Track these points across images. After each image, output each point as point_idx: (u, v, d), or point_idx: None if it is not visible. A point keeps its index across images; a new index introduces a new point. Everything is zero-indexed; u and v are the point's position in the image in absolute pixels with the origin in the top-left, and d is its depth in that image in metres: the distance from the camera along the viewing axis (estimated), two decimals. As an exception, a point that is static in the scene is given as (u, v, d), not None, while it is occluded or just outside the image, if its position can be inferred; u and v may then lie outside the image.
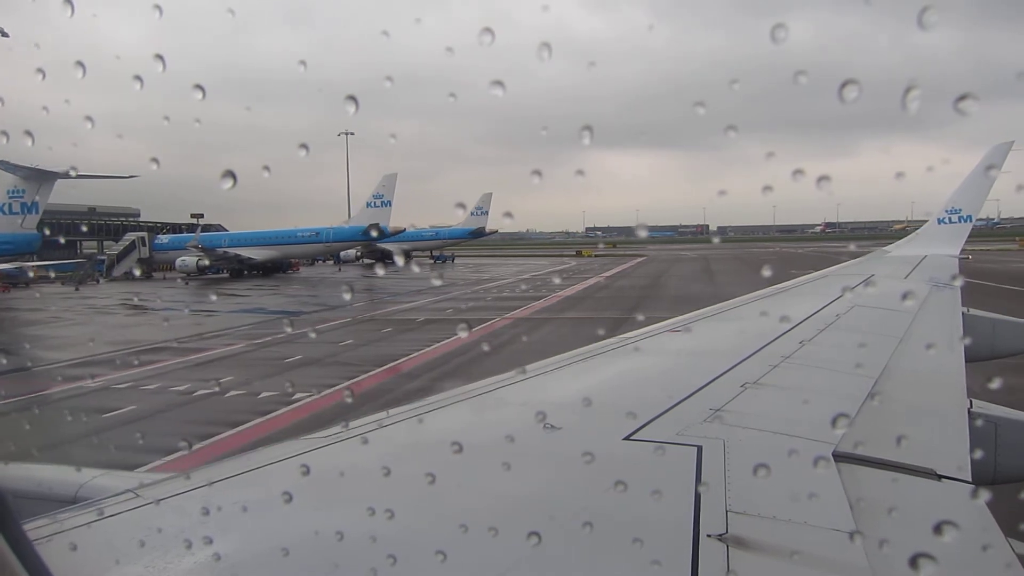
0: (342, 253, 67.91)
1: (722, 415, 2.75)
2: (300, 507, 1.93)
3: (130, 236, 58.61)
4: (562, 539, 1.76)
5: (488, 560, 1.68)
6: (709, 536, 1.73)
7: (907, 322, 4.99)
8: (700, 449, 2.34)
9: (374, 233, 53.86)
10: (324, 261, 69.59)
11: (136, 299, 38.13)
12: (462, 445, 2.27)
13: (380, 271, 60.33)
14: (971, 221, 10.90)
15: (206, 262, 54.19)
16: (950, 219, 11.17)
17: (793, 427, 2.66)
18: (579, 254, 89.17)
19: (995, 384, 2.57)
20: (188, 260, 54.23)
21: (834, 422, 2.48)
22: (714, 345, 4.66)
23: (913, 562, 1.54)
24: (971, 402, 3.22)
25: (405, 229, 59.68)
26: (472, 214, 75.95)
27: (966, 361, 3.94)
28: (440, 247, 78.24)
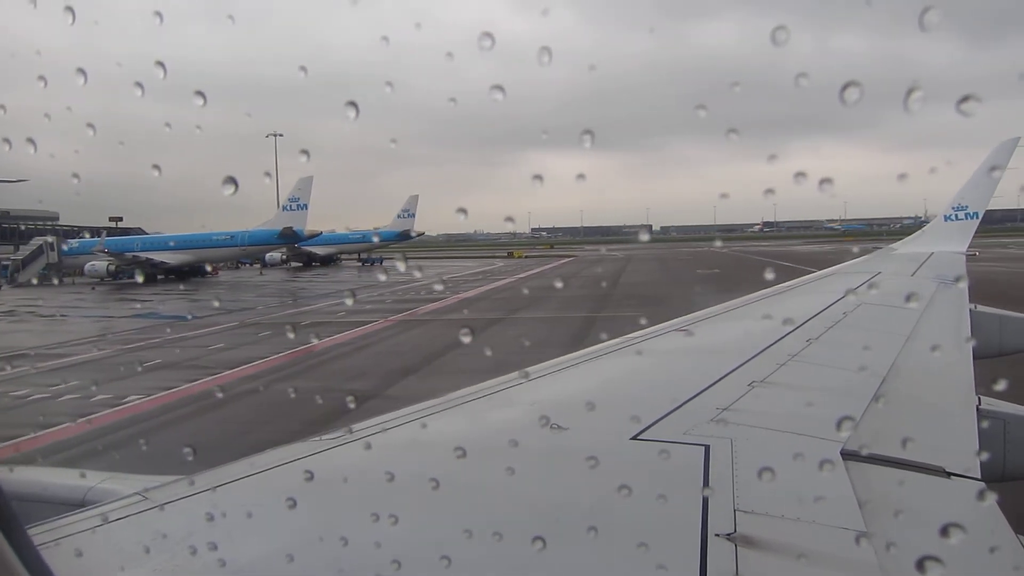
0: (267, 256, 67.36)
1: (729, 414, 2.72)
2: (304, 512, 1.92)
3: (37, 240, 56.96)
4: (570, 540, 1.76)
5: (495, 564, 1.68)
6: (718, 535, 1.73)
7: (914, 319, 4.94)
8: (708, 448, 2.32)
9: (289, 236, 53.91)
10: (251, 264, 68.80)
11: (30, 305, 37.29)
12: (467, 447, 2.26)
13: (301, 274, 60.18)
14: (978, 218, 10.86)
15: (115, 267, 53.03)
16: (956, 216, 11.11)
17: (801, 426, 2.64)
18: (510, 255, 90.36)
19: (1004, 381, 2.57)
20: (98, 265, 53.04)
21: (842, 420, 2.43)
22: (720, 344, 4.62)
23: (923, 561, 1.53)
24: (980, 399, 3.19)
25: (321, 232, 59.76)
26: (398, 216, 76.33)
27: (974, 358, 3.93)
28: (367, 249, 78.22)
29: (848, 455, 2.27)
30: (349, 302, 35.01)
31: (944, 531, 1.61)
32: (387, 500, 2.00)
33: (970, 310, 5.81)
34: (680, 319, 5.46)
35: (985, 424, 2.84)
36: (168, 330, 27.01)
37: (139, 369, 17.84)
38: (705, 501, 1.92)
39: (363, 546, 1.73)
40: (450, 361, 17.65)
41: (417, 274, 56.11)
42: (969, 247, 10.70)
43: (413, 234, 78.10)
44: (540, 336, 21.49)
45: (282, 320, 28.41)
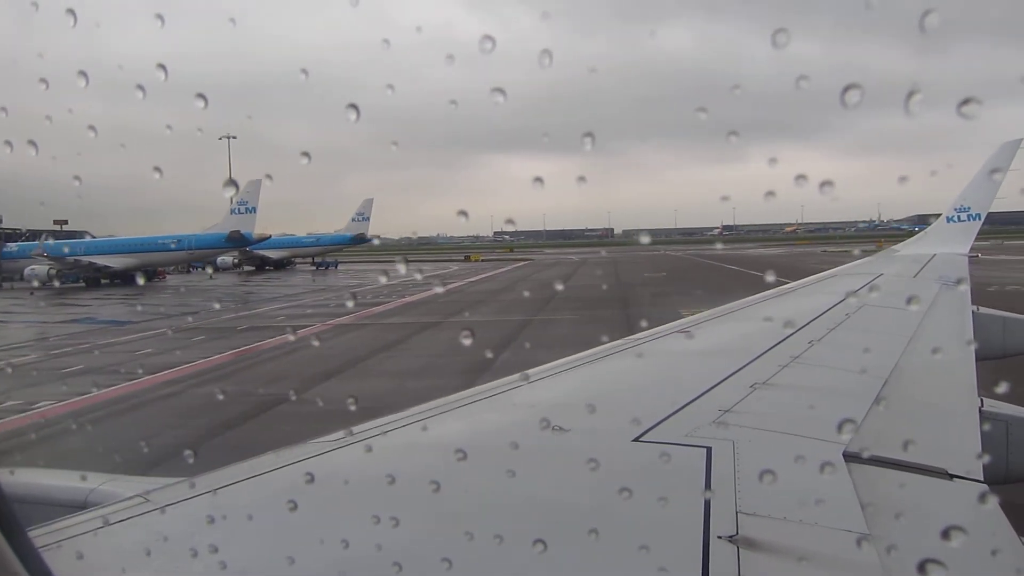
0: (218, 260, 66.32)
1: (731, 416, 2.72)
2: (305, 514, 1.92)
3: (-28, 245, 55.07)
4: (571, 542, 1.75)
5: (496, 566, 1.67)
6: (720, 538, 1.72)
7: (917, 321, 4.92)
8: (710, 450, 2.32)
9: (237, 240, 53.20)
10: (203, 268, 67.74)
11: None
12: (468, 449, 2.26)
13: (252, 279, 59.45)
14: (980, 219, 10.80)
15: (56, 271, 51.65)
16: (959, 217, 11.05)
17: (803, 428, 2.64)
18: (467, 259, 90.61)
19: (1006, 383, 2.56)
20: (38, 269, 51.47)
21: (844, 422, 2.43)
22: (722, 346, 4.61)
23: (925, 563, 1.53)
24: (982, 401, 3.18)
25: (271, 235, 59.19)
26: (353, 220, 76.06)
27: (977, 360, 3.91)
28: (321, 253, 77.64)
29: (850, 457, 2.26)
30: (290, 306, 34.71)
31: (946, 533, 1.61)
32: (388, 502, 1.99)
33: (972, 312, 5.77)
34: (682, 320, 5.40)
35: (987, 426, 2.83)
36: (100, 335, 26.50)
37: (59, 375, 17.55)
38: (707, 503, 1.92)
39: (364, 548, 1.72)
40: (375, 364, 17.78)
41: (370, 278, 55.93)
42: (971, 249, 10.66)
43: (368, 237, 77.97)
44: (472, 338, 21.66)
45: (219, 325, 28.05)
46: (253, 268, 71.16)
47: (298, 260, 78.97)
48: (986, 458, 2.37)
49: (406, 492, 2.08)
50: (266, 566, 1.70)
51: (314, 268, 75.77)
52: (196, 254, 59.22)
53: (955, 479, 2.23)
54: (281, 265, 74.86)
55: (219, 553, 1.68)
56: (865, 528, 1.80)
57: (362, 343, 21.35)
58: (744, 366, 3.53)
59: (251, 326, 26.83)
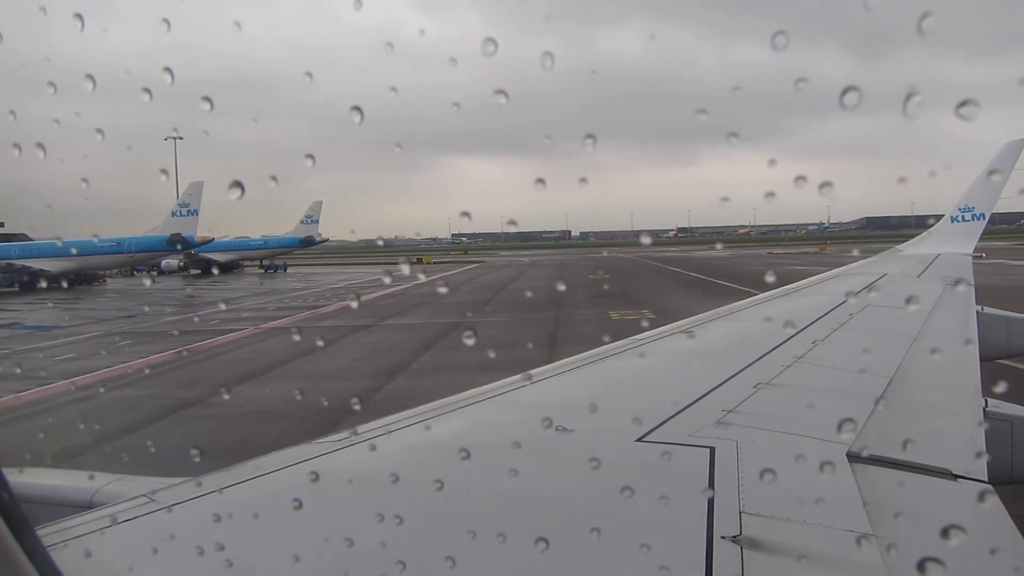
0: (163, 263, 64.92)
1: (735, 416, 2.72)
2: (310, 513, 1.93)
3: None
4: (575, 542, 1.76)
5: (499, 565, 1.68)
6: (723, 538, 1.73)
7: (921, 321, 4.94)
8: (713, 450, 2.32)
9: (179, 242, 52.24)
10: (148, 271, 66.26)
11: None
12: (471, 449, 2.26)
13: (196, 282, 58.45)
14: (984, 219, 10.85)
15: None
16: (963, 217, 11.05)
17: (806, 427, 2.64)
18: (419, 261, 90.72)
19: (1010, 383, 2.57)
20: None
21: (847, 422, 2.43)
22: (725, 346, 4.61)
23: (929, 563, 1.53)
24: (986, 401, 3.17)
25: (213, 238, 58.29)
26: (302, 222, 75.21)
27: (981, 360, 3.90)
28: (270, 256, 76.66)
29: (854, 457, 2.27)
30: (226, 310, 34.38)
31: (950, 534, 1.61)
32: (392, 502, 2.00)
33: (976, 311, 5.78)
34: (685, 320, 5.42)
35: (992, 426, 2.83)
36: (23, 341, 26.01)
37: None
38: (710, 503, 1.92)
39: (368, 547, 1.74)
40: (295, 368, 17.94)
41: (316, 281, 55.58)
42: (976, 248, 10.73)
43: (317, 239, 77.28)
44: (397, 342, 22.02)
45: (149, 329, 27.79)
46: (199, 271, 69.93)
47: (247, 263, 77.89)
48: (990, 458, 2.36)
49: (410, 491, 2.09)
50: (272, 564, 1.71)
51: (262, 271, 74.84)
52: (136, 257, 57.79)
53: (959, 479, 2.21)
54: (228, 268, 73.62)
55: (225, 552, 1.69)
56: (869, 528, 1.81)
57: (287, 347, 21.44)
58: (747, 366, 3.52)
59: (182, 330, 26.67)
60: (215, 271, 71.33)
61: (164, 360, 19.86)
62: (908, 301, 5.98)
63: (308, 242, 76.34)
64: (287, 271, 75.12)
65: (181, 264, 66.43)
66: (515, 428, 2.79)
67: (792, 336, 4.25)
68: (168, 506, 2.01)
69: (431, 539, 1.80)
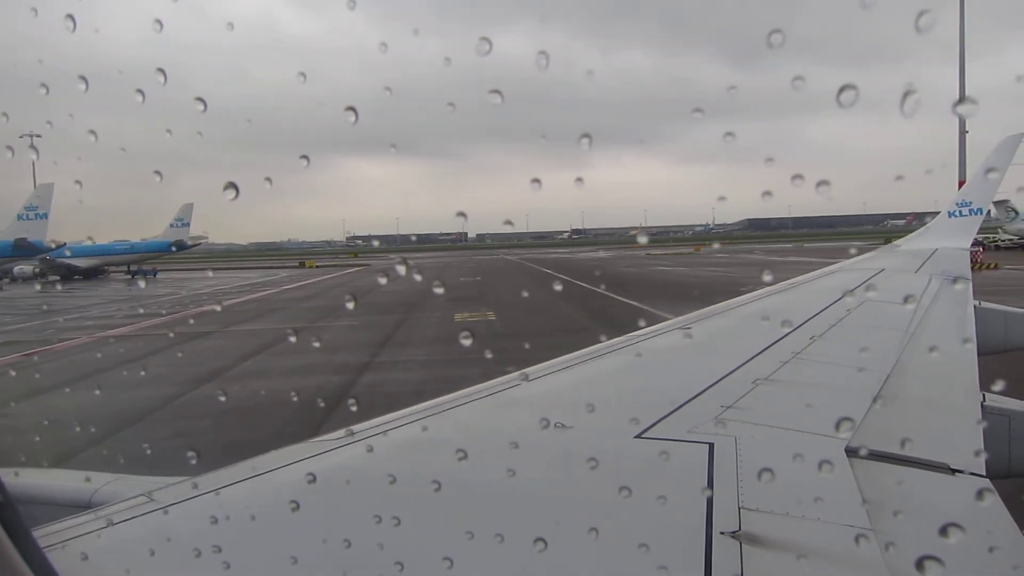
0: (15, 269, 60.67)
1: (733, 412, 2.72)
2: (307, 514, 1.92)
3: None
4: (573, 540, 1.75)
5: (497, 565, 1.67)
6: (722, 534, 1.73)
7: (919, 316, 4.94)
8: (712, 446, 2.32)
9: (25, 248, 49.20)
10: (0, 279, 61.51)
11: None
12: (469, 448, 2.26)
13: (50, 290, 54.95)
14: (981, 214, 10.87)
15: None
16: (960, 212, 11.09)
17: (805, 423, 2.65)
18: (301, 265, 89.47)
19: (1008, 378, 2.59)
20: None
21: (845, 418, 2.45)
22: (723, 342, 4.61)
23: (927, 558, 1.53)
24: (984, 395, 3.19)
25: (65, 243, 55.27)
26: (171, 226, 72.40)
27: (979, 354, 3.92)
28: (137, 261, 73.19)
29: (852, 452, 2.27)
30: (63, 319, 33.03)
31: (948, 529, 1.62)
32: (389, 502, 2.00)
33: (974, 306, 5.80)
34: (682, 317, 5.42)
35: (989, 420, 2.84)
36: None
37: None
38: (709, 499, 1.92)
39: (366, 548, 1.73)
40: (126, 377, 17.85)
41: (183, 286, 53.76)
42: (973, 243, 10.79)
43: (189, 243, 74.60)
44: (238, 349, 22.08)
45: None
46: (58, 278, 65.71)
47: (112, 268, 73.84)
48: (988, 453, 2.37)
49: (407, 491, 2.09)
50: (269, 566, 1.71)
51: (129, 277, 71.14)
52: None
53: (957, 474, 2.23)
54: (91, 274, 69.46)
55: (222, 553, 1.69)
56: (868, 523, 1.81)
57: (120, 355, 21.28)
58: (745, 362, 3.52)
59: (8, 340, 25.69)
60: (77, 277, 67.39)
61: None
62: (906, 296, 5.99)
63: (179, 246, 73.39)
64: (156, 276, 71.70)
65: (36, 270, 62.35)
66: (513, 426, 2.79)
67: (790, 332, 4.26)
68: (165, 507, 2.01)
69: (429, 539, 1.79)
